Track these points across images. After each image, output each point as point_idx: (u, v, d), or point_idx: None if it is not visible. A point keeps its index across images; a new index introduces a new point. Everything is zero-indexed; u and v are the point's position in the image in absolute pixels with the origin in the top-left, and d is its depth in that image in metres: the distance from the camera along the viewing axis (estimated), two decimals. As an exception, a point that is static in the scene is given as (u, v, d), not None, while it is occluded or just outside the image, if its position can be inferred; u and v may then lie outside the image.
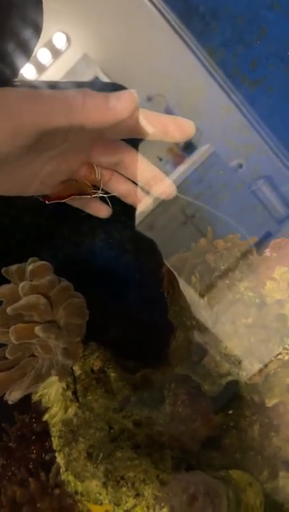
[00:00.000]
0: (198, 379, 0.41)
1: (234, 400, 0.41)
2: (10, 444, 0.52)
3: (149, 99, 0.34)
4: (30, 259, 0.50)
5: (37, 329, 0.43)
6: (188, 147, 0.67)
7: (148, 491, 0.42)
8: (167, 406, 0.40)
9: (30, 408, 0.58)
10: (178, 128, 0.35)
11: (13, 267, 0.50)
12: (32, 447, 0.50)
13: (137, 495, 0.42)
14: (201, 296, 0.41)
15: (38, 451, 0.50)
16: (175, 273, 0.49)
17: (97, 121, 0.31)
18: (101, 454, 0.42)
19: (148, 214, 0.44)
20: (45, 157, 0.37)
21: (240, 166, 0.73)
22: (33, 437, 0.52)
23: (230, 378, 0.39)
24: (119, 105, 0.31)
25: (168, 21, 0.54)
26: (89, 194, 0.41)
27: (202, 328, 0.40)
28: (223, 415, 0.41)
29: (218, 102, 0.62)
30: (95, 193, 0.41)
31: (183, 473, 0.36)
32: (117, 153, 0.40)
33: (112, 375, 0.45)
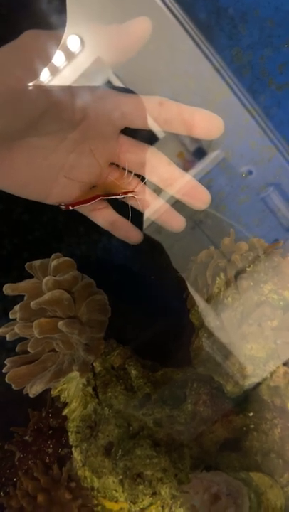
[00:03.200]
0: (220, 380, 0.41)
1: (255, 402, 0.41)
2: (26, 438, 0.53)
3: (161, 104, 0.34)
4: (53, 255, 0.51)
5: (60, 324, 0.43)
6: (198, 152, 0.67)
7: (165, 490, 0.42)
8: (189, 405, 0.40)
9: (45, 403, 0.59)
10: (206, 124, 0.35)
11: (37, 262, 0.50)
12: (48, 442, 0.51)
13: (154, 493, 0.42)
14: (226, 296, 0.41)
15: (54, 446, 0.51)
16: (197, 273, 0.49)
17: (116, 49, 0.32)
18: (120, 451, 0.42)
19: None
20: (67, 143, 0.37)
21: (250, 172, 0.73)
22: (50, 432, 0.52)
23: (253, 380, 0.39)
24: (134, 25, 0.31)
25: (183, 24, 0.54)
26: (117, 194, 0.41)
27: (226, 329, 0.40)
28: (244, 417, 0.41)
29: (232, 108, 0.62)
30: (124, 193, 0.41)
31: (204, 473, 0.36)
32: (144, 153, 0.40)
33: (133, 372, 0.45)
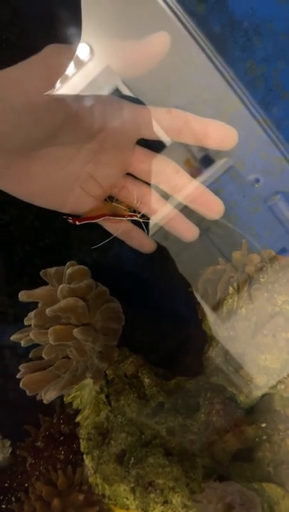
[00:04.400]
0: (233, 389, 0.41)
1: (268, 413, 0.41)
2: (38, 444, 0.53)
3: (176, 115, 0.35)
4: (68, 263, 0.52)
5: (75, 331, 0.44)
6: (206, 160, 0.68)
7: (177, 499, 0.42)
8: (202, 415, 0.40)
9: (54, 409, 0.59)
10: (220, 134, 0.35)
11: (52, 270, 0.51)
12: (60, 448, 0.51)
13: (165, 502, 0.43)
14: (239, 307, 0.41)
15: (65, 452, 0.51)
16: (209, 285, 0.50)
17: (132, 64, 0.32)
18: (132, 459, 0.42)
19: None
20: (84, 153, 0.38)
21: (258, 180, 0.73)
22: (61, 438, 0.53)
23: (266, 391, 0.39)
24: (153, 40, 0.32)
25: (196, 37, 0.55)
26: (123, 216, 0.41)
27: (240, 339, 0.40)
28: (256, 428, 0.41)
29: (245, 120, 0.63)
30: (130, 215, 0.41)
31: (217, 483, 0.37)
32: (159, 163, 0.41)
33: (147, 380, 0.45)
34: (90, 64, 0.35)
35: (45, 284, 0.53)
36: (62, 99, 0.33)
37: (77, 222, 0.41)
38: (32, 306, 0.67)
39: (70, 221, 0.41)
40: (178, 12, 0.54)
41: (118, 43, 0.34)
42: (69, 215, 0.41)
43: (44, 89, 0.32)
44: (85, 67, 0.35)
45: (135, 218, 0.41)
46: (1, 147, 0.33)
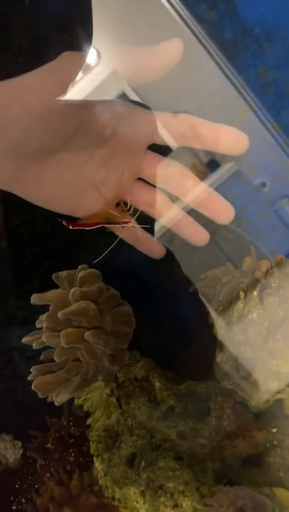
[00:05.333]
0: (244, 394, 0.41)
1: (279, 418, 0.41)
2: (48, 446, 0.54)
3: (188, 121, 0.35)
4: (80, 267, 0.52)
5: (87, 334, 0.44)
6: (212, 164, 0.68)
7: (187, 502, 0.42)
8: (213, 419, 0.40)
9: (62, 411, 0.60)
10: (231, 139, 0.35)
11: (63, 273, 0.52)
12: (70, 450, 0.52)
13: (175, 506, 0.43)
14: (250, 312, 0.42)
15: (75, 455, 0.51)
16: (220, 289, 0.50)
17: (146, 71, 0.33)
18: (143, 462, 0.42)
19: (169, 228, 0.45)
20: (97, 158, 0.38)
21: (264, 184, 0.73)
22: (71, 440, 0.53)
23: (278, 396, 0.39)
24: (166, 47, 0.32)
25: (203, 41, 0.56)
26: (118, 223, 0.42)
27: (251, 344, 0.40)
28: (267, 433, 0.41)
29: (255, 125, 0.63)
30: (125, 223, 0.41)
31: (228, 487, 0.37)
32: (170, 168, 0.41)
33: (157, 384, 0.45)
34: (97, 68, 0.36)
35: (54, 286, 0.53)
36: (76, 105, 0.33)
37: (70, 227, 0.41)
38: (40, 308, 0.68)
39: (65, 225, 0.41)
40: (188, 18, 0.55)
41: (130, 49, 0.35)
42: (65, 217, 0.41)
43: (58, 95, 0.32)
44: (92, 71, 0.36)
45: (130, 225, 0.41)
46: (16, 152, 0.34)
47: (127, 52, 0.34)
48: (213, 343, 0.49)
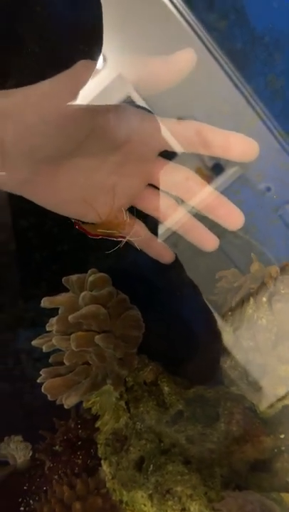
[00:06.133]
0: (253, 400, 0.42)
1: (287, 424, 0.41)
2: (56, 448, 0.54)
3: (198, 128, 0.36)
4: (90, 271, 0.53)
5: (97, 338, 0.45)
6: (216, 168, 0.68)
7: (194, 506, 0.42)
8: (222, 424, 0.41)
9: (69, 413, 0.60)
10: (241, 146, 0.36)
11: (74, 277, 0.52)
12: (78, 452, 0.52)
13: (183, 510, 0.43)
14: (259, 318, 0.42)
15: (83, 457, 0.52)
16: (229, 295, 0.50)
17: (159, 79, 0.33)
18: (151, 466, 0.43)
19: (174, 232, 0.45)
20: (109, 164, 0.39)
21: (269, 189, 0.74)
22: (79, 443, 0.54)
23: (286, 402, 0.40)
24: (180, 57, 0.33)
25: (213, 49, 0.56)
26: (115, 237, 0.42)
27: (260, 350, 0.41)
28: (275, 439, 0.41)
29: (264, 132, 0.63)
30: (121, 237, 0.42)
31: (237, 492, 0.37)
32: (180, 174, 0.42)
33: (166, 388, 0.46)
34: (102, 72, 0.36)
35: (62, 288, 0.54)
36: (89, 110, 0.34)
37: (76, 226, 0.42)
38: (47, 311, 0.68)
39: (73, 222, 0.41)
40: (198, 26, 0.55)
41: (142, 58, 0.35)
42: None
43: (70, 102, 0.33)
44: (98, 75, 0.37)
45: (126, 239, 0.42)
46: (30, 157, 0.35)
47: (139, 61, 0.35)
48: (219, 348, 0.49)
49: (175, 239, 0.45)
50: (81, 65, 0.33)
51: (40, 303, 0.68)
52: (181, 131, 0.37)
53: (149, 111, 0.41)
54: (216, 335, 0.55)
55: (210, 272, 0.67)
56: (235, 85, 0.60)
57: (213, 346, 0.56)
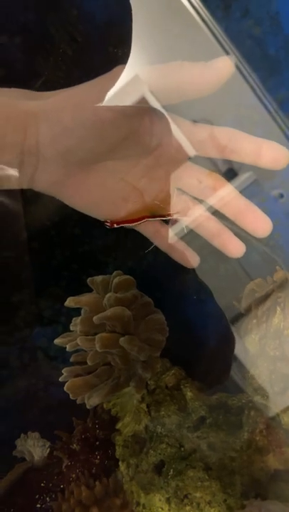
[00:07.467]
0: (277, 410, 0.41)
1: (310, 435, 0.41)
2: (73, 447, 0.54)
3: (229, 134, 0.36)
4: (115, 273, 0.53)
5: (122, 340, 0.45)
6: (229, 173, 0.68)
7: (213, 513, 0.42)
8: (245, 433, 0.41)
9: (85, 412, 0.60)
10: (273, 154, 0.35)
11: (98, 278, 0.53)
12: (96, 452, 0.52)
13: (201, 516, 0.43)
14: (286, 328, 0.42)
15: (101, 457, 0.52)
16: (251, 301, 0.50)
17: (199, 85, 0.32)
18: (172, 470, 0.43)
19: (182, 236, 0.45)
20: (140, 167, 0.39)
21: (281, 196, 0.73)
22: (97, 443, 0.54)
23: (312, 414, 0.40)
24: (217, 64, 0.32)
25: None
26: (164, 216, 0.42)
27: (287, 360, 0.40)
28: (297, 449, 0.41)
29: (266, 130, 0.63)
30: (170, 215, 0.42)
31: (259, 501, 0.37)
32: (209, 179, 0.42)
33: (189, 394, 0.46)
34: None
35: (81, 288, 0.54)
36: (127, 115, 0.34)
37: (115, 225, 0.41)
38: (64, 310, 0.69)
39: (108, 225, 0.41)
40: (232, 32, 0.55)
41: (177, 63, 0.35)
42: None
43: (110, 105, 0.33)
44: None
45: (175, 217, 0.41)
46: (65, 159, 0.35)
47: (173, 67, 0.34)
48: (231, 354, 0.49)
49: (187, 242, 0.45)
50: (119, 69, 0.34)
51: (58, 302, 0.69)
52: (214, 136, 0.37)
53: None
54: (229, 341, 0.55)
55: (232, 278, 0.67)
56: (270, 89, 0.59)
57: (224, 351, 0.56)
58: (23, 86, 0.37)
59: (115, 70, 0.34)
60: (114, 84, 0.34)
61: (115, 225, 0.42)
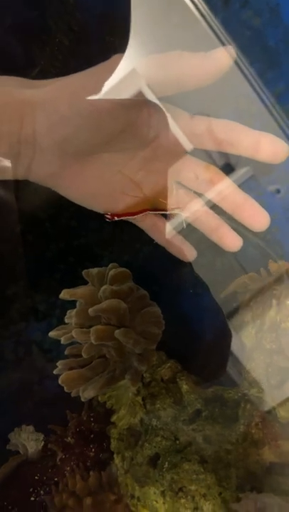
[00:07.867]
0: (273, 403, 0.41)
1: (306, 429, 0.41)
2: (68, 440, 0.54)
3: (229, 127, 0.35)
4: (110, 265, 0.53)
5: (117, 333, 0.45)
6: (226, 168, 0.67)
7: (208, 506, 0.42)
8: (241, 426, 0.41)
9: (78, 405, 0.60)
10: (272, 148, 0.35)
11: (94, 270, 0.52)
12: (91, 445, 0.52)
13: (196, 509, 0.43)
14: (283, 321, 0.42)
15: (96, 450, 0.52)
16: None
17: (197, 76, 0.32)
18: (167, 463, 0.43)
19: (179, 231, 0.45)
20: (137, 160, 0.39)
21: (278, 191, 0.73)
22: (91, 436, 0.54)
23: (308, 407, 0.40)
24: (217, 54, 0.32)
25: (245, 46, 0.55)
26: (165, 209, 0.42)
27: (284, 353, 0.40)
28: (293, 443, 0.41)
29: (264, 124, 0.62)
30: (171, 209, 0.41)
31: (255, 494, 0.37)
32: (207, 172, 0.41)
33: (185, 387, 0.46)
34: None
35: (77, 281, 0.53)
36: (125, 106, 0.33)
37: (115, 218, 0.41)
38: (59, 302, 0.68)
39: (108, 217, 0.41)
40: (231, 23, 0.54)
41: (176, 53, 0.34)
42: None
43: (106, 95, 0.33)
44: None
45: (177, 211, 0.41)
46: (62, 149, 0.35)
47: (172, 57, 0.34)
48: (228, 348, 0.49)
49: (184, 235, 0.44)
50: (117, 58, 0.33)
51: (53, 294, 0.69)
52: (212, 129, 0.36)
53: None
54: (226, 334, 0.55)
55: (229, 272, 0.67)
56: (269, 81, 0.59)
57: (221, 346, 0.56)
58: (19, 75, 0.36)
59: (113, 58, 0.33)
60: (111, 74, 0.33)
61: (116, 218, 0.41)
